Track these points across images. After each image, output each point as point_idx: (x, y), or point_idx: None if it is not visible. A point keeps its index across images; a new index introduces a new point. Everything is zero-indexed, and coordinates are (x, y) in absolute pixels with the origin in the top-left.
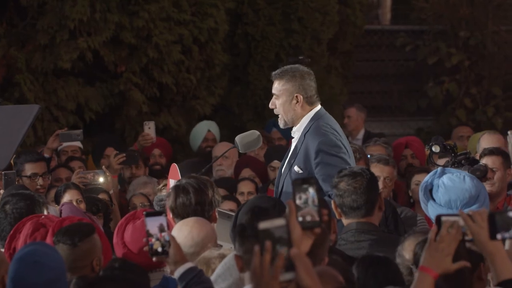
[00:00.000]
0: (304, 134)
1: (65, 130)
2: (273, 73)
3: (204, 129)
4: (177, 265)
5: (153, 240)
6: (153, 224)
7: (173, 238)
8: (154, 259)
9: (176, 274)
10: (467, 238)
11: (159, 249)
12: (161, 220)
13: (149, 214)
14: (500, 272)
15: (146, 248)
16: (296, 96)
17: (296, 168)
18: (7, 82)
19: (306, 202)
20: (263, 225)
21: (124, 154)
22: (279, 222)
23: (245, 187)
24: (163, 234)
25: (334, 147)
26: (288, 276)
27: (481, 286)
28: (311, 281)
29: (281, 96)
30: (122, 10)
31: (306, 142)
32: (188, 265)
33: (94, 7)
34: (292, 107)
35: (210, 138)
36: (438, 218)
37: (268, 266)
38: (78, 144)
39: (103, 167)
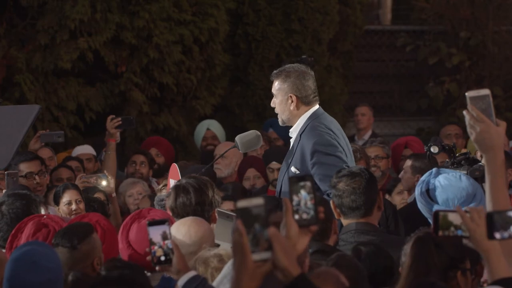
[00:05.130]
0: (300, 134)
1: (47, 131)
2: (273, 72)
3: (203, 128)
4: (180, 273)
5: (156, 248)
6: (156, 233)
7: (176, 246)
8: (157, 268)
9: (180, 283)
10: (463, 234)
11: (162, 258)
12: (165, 228)
13: (152, 223)
14: (495, 270)
15: (149, 258)
16: (290, 96)
17: (293, 168)
18: (7, 82)
19: (298, 204)
20: (241, 203)
21: (120, 118)
22: (257, 201)
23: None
24: (166, 242)
25: (329, 147)
26: (263, 255)
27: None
28: (288, 262)
29: (277, 95)
30: (123, 10)
31: (301, 143)
32: (191, 273)
33: (95, 7)
34: (288, 106)
35: (209, 137)
36: (436, 213)
37: (242, 245)
38: (91, 151)
39: (105, 171)
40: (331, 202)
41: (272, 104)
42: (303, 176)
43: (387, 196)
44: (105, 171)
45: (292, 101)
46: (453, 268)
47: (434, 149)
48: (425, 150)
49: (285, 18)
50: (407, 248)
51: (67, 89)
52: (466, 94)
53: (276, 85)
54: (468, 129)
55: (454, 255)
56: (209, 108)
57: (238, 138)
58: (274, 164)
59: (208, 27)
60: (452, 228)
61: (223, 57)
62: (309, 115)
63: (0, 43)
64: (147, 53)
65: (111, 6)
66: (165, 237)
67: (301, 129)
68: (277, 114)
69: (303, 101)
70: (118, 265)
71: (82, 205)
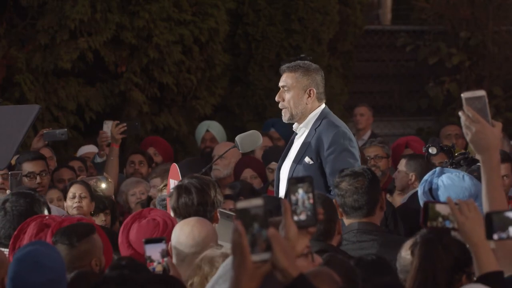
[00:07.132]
0: (315, 129)
1: (49, 130)
2: (284, 65)
3: (203, 129)
4: None
5: (155, 264)
6: (154, 250)
7: (172, 264)
8: None
9: None
10: (451, 226)
11: None
12: (163, 246)
13: (148, 241)
14: (483, 264)
15: None
16: (310, 90)
17: (307, 159)
18: (7, 82)
19: (296, 203)
20: (240, 204)
21: (125, 124)
22: (257, 201)
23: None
24: (165, 259)
25: (347, 139)
26: (263, 256)
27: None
28: (287, 262)
29: (293, 89)
30: (123, 10)
31: (318, 135)
32: None
33: (95, 7)
34: (304, 100)
35: (207, 138)
36: (426, 204)
37: (241, 245)
38: (96, 150)
39: (105, 173)
40: (334, 201)
41: (278, 98)
42: (303, 178)
43: (388, 197)
44: (105, 174)
45: (309, 96)
46: (459, 271)
47: (432, 150)
48: (423, 151)
49: (285, 18)
50: (403, 252)
51: (67, 89)
52: (462, 95)
53: (292, 78)
54: (464, 130)
55: (460, 257)
56: (209, 108)
57: (238, 138)
58: (273, 164)
59: (208, 27)
60: (440, 219)
61: (223, 57)
62: (319, 112)
63: (0, 43)
64: (147, 53)
65: (111, 6)
66: (163, 254)
67: (314, 124)
68: (276, 113)
69: (318, 97)
70: (122, 264)
71: (86, 201)
